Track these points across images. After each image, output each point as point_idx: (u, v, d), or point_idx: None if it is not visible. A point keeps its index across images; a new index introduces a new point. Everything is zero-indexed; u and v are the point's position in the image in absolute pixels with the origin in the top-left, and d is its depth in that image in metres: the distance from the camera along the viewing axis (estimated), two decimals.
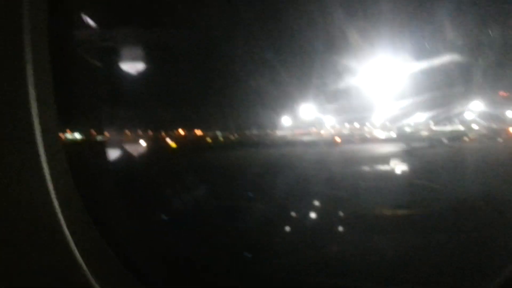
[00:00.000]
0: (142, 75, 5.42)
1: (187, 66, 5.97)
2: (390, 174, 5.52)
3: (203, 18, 5.26)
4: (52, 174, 1.97)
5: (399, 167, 5.77)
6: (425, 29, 4.95)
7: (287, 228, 3.57)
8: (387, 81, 5.76)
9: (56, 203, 1.96)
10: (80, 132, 5.31)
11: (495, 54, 5.09)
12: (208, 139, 6.75)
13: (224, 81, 5.95)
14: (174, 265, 2.71)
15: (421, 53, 5.42)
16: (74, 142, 4.28)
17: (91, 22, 4.27)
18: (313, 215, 3.90)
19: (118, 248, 2.17)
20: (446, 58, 5.56)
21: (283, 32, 5.38)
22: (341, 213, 3.92)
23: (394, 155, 6.17)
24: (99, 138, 5.17)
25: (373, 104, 6.41)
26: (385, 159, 6.09)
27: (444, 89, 5.92)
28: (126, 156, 4.78)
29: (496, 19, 4.58)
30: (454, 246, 3.16)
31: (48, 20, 2.03)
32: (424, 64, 5.50)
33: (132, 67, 5.35)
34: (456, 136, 6.76)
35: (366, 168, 5.58)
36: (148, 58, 5.47)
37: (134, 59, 5.32)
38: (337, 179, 4.78)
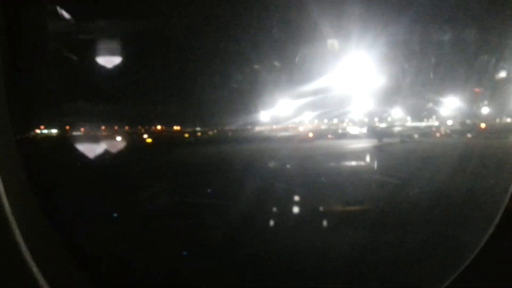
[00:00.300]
0: (118, 70, 5.41)
1: (165, 62, 5.97)
2: (353, 170, 5.56)
3: (180, 13, 5.26)
4: (3, 172, 1.95)
5: (363, 163, 5.83)
6: (402, 27, 5.00)
7: (238, 226, 3.56)
8: (364, 78, 5.81)
9: (6, 201, 1.94)
10: (56, 128, 5.32)
11: (470, 52, 5.15)
12: (186, 135, 6.77)
13: (203, 77, 5.95)
14: (119, 263, 2.71)
15: (397, 51, 5.47)
16: (35, 139, 4.28)
17: (55, 13, 4.25)
18: (266, 212, 3.89)
19: (69, 246, 2.17)
20: (422, 55, 5.63)
21: (261, 29, 5.40)
22: (295, 210, 3.94)
23: (363, 151, 6.23)
24: (70, 134, 5.18)
25: (350, 100, 6.47)
26: (353, 155, 6.15)
27: (420, 85, 5.99)
28: (90, 152, 4.77)
29: (472, 17, 4.63)
30: (406, 243, 3.20)
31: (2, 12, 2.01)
32: (400, 62, 5.56)
33: (108, 61, 5.34)
34: (428, 132, 6.86)
35: (331, 164, 5.61)
36: (124, 53, 5.46)
37: (109, 53, 5.31)
38: (301, 175, 4.80)
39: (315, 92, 6.24)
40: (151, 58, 5.71)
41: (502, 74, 5.16)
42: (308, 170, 5.02)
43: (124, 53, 5.46)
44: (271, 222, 3.69)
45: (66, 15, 4.45)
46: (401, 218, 3.69)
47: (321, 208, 4.02)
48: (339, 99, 6.37)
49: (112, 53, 5.36)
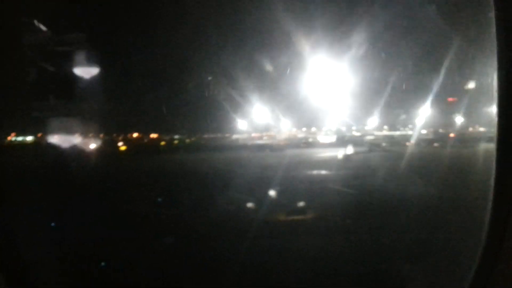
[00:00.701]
0: (95, 78, 5.42)
1: (144, 69, 5.99)
2: (311, 179, 5.53)
3: (157, 21, 5.30)
4: None
5: (324, 172, 5.83)
6: (377, 36, 5.04)
7: (175, 236, 3.52)
8: (340, 87, 5.84)
9: None
10: (28, 135, 5.32)
11: (447, 60, 5.19)
12: (162, 143, 6.77)
13: (181, 85, 5.96)
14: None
15: (374, 60, 5.51)
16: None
17: (31, 25, 4.29)
18: (214, 221, 3.85)
19: None
20: (397, 64, 5.66)
21: (239, 36, 5.44)
22: (235, 219, 3.90)
23: (329, 160, 6.23)
24: (42, 141, 5.18)
25: (328, 109, 6.50)
26: (317, 163, 6.15)
27: (396, 94, 6.02)
28: (54, 161, 4.74)
29: (448, 26, 4.67)
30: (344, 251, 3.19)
31: None
32: (376, 71, 5.59)
33: (85, 69, 5.35)
34: (397, 141, 6.88)
35: (293, 173, 5.58)
36: (102, 61, 5.48)
37: (86, 61, 5.33)
38: (259, 184, 4.77)
39: (293, 101, 6.26)
40: (129, 66, 5.73)
41: (476, 84, 5.19)
42: (267, 179, 4.99)
43: (101, 61, 5.47)
44: (209, 231, 3.65)
45: (41, 26, 4.48)
46: (340, 227, 3.69)
47: (263, 217, 4.00)
48: (317, 108, 6.41)
49: (89, 61, 5.38)
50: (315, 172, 5.88)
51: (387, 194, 4.26)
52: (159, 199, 4.60)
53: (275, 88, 5.72)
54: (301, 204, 4.36)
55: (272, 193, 4.58)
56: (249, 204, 4.20)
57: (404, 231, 3.30)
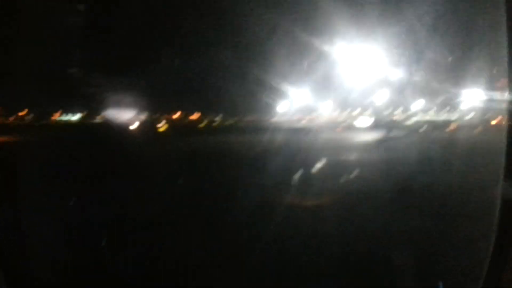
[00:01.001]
0: (142, 57, 5.55)
1: (188, 54, 6.07)
2: (339, 165, 5.37)
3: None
4: None
5: (353, 158, 5.68)
6: (418, 15, 4.91)
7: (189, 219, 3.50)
8: (382, 70, 5.73)
9: None
10: (73, 114, 5.54)
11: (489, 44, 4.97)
12: (201, 124, 6.84)
13: (221, 67, 6.01)
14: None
15: (416, 43, 5.36)
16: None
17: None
18: (230, 204, 3.81)
19: None
20: (440, 46, 5.46)
21: (281, 20, 5.43)
22: (254, 203, 3.85)
23: (364, 145, 6.06)
24: (87, 120, 5.37)
25: (372, 93, 6.38)
26: (350, 148, 5.98)
27: (440, 78, 5.83)
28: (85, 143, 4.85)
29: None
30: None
31: None
32: (423, 52, 5.43)
33: (130, 49, 5.47)
34: (438, 126, 6.63)
35: (322, 158, 5.42)
36: (144, 38, 5.59)
37: (130, 42, 5.45)
38: (283, 168, 4.69)
39: (336, 84, 6.20)
40: (173, 49, 5.83)
41: None
42: (293, 163, 4.92)
43: (147, 41, 5.58)
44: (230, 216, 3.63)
45: (82, 6, 4.61)
46: (349, 214, 3.62)
47: (279, 200, 3.97)
48: (360, 91, 6.32)
49: (133, 41, 5.49)
50: (343, 157, 5.75)
51: (413, 183, 4.14)
52: (180, 181, 4.64)
53: (318, 70, 5.69)
54: (320, 189, 4.32)
55: (297, 177, 4.53)
56: (268, 188, 4.18)
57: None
